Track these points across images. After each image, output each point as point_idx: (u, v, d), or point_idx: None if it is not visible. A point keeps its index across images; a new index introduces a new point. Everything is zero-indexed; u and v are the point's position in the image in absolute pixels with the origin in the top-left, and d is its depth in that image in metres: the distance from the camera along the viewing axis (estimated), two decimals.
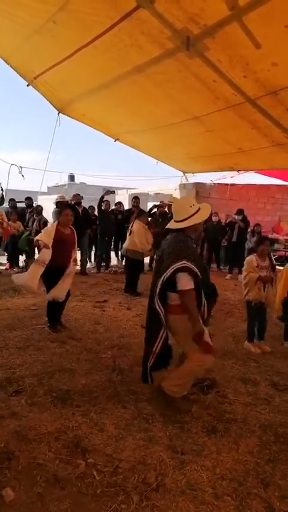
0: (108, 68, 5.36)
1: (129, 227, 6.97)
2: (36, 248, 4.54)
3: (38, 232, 8.45)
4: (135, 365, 3.76)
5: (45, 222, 8.70)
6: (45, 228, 4.62)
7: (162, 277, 2.75)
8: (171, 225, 2.95)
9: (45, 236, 4.44)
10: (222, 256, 10.39)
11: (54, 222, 4.71)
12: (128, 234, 6.91)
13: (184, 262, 2.66)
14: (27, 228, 8.62)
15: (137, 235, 6.66)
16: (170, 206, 7.76)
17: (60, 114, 7.37)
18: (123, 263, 8.15)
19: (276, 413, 2.99)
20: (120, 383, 3.37)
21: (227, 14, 3.65)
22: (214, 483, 2.20)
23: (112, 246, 9.83)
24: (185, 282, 2.66)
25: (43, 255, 4.34)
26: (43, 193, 14.13)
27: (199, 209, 2.86)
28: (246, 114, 5.66)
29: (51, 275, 4.44)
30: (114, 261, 10.10)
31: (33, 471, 2.22)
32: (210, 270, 8.52)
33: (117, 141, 8.54)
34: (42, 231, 4.71)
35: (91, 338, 4.50)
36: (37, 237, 4.50)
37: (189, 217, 2.83)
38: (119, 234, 9.37)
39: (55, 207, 8.90)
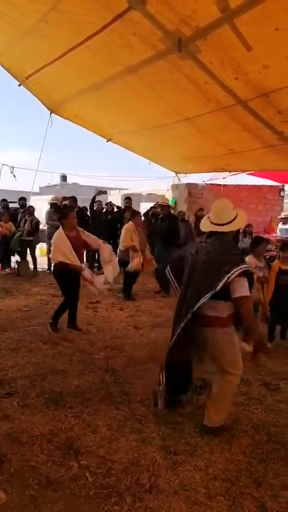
0: (100, 69, 5.35)
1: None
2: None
3: (29, 233, 8.44)
4: (128, 366, 3.77)
5: (37, 223, 8.67)
6: (55, 239, 4.46)
7: (224, 280, 2.42)
8: (210, 227, 2.72)
9: (65, 250, 4.36)
10: None
11: (58, 228, 4.61)
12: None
13: (246, 266, 2.49)
14: (19, 229, 8.56)
15: (123, 234, 6.60)
16: (162, 207, 7.70)
17: (52, 114, 7.35)
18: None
19: (269, 413, 3.01)
20: (113, 384, 3.37)
21: (218, 16, 3.66)
22: (207, 483, 2.21)
23: None
24: (247, 288, 2.47)
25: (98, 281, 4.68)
26: (35, 194, 14.06)
27: (237, 214, 2.74)
28: (238, 116, 5.68)
29: (67, 278, 4.50)
30: None
31: (25, 474, 2.22)
32: None
33: (109, 142, 8.52)
34: (52, 242, 4.53)
35: (84, 339, 4.49)
36: (57, 257, 4.39)
37: (232, 220, 2.68)
38: (109, 234, 9.36)
39: (49, 207, 8.91)
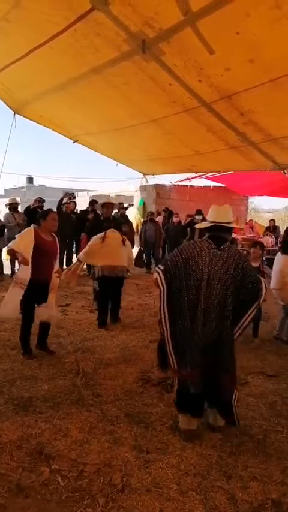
0: (65, 69, 5.31)
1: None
2: (10, 256, 3.87)
3: None
4: (99, 368, 3.75)
5: (3, 226, 8.46)
6: (20, 233, 3.87)
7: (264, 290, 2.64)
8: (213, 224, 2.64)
9: (23, 245, 3.71)
10: None
11: (31, 226, 3.94)
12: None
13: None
14: None
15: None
16: (107, 207, 6.08)
17: (16, 114, 7.19)
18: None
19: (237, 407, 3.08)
20: (84, 387, 3.34)
21: (181, 18, 3.73)
22: (179, 479, 2.23)
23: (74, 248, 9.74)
24: None
25: (22, 274, 3.72)
26: (0, 196, 13.70)
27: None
28: (202, 118, 5.80)
29: (33, 292, 3.76)
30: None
31: None
32: None
33: (76, 143, 8.46)
34: (16, 236, 3.89)
35: (54, 343, 4.41)
36: (12, 245, 3.70)
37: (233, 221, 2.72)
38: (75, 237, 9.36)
39: (8, 210, 8.76)
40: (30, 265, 3.68)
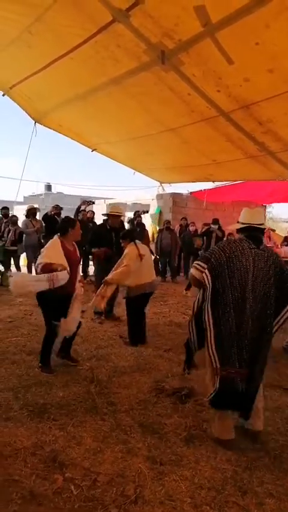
0: (85, 79, 5.41)
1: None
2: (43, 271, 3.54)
3: (13, 242, 8.35)
4: (113, 376, 3.74)
5: (21, 233, 8.60)
6: (47, 246, 3.71)
7: None
8: (247, 225, 2.68)
9: (54, 256, 3.57)
10: None
11: (56, 236, 3.76)
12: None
13: None
14: (2, 239, 8.47)
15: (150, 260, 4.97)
16: (113, 217, 5.71)
17: (36, 123, 7.36)
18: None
19: None
20: (99, 394, 3.33)
21: (200, 30, 3.77)
22: (193, 493, 2.19)
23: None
24: None
25: (61, 277, 3.47)
26: (19, 203, 13.94)
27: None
28: (221, 127, 5.81)
29: (57, 303, 3.62)
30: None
31: (8, 488, 2.16)
32: (187, 279, 8.61)
33: (94, 152, 8.58)
34: (43, 249, 3.74)
35: None
36: (44, 260, 3.52)
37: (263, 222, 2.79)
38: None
39: (25, 217, 8.92)
40: (68, 273, 3.54)
